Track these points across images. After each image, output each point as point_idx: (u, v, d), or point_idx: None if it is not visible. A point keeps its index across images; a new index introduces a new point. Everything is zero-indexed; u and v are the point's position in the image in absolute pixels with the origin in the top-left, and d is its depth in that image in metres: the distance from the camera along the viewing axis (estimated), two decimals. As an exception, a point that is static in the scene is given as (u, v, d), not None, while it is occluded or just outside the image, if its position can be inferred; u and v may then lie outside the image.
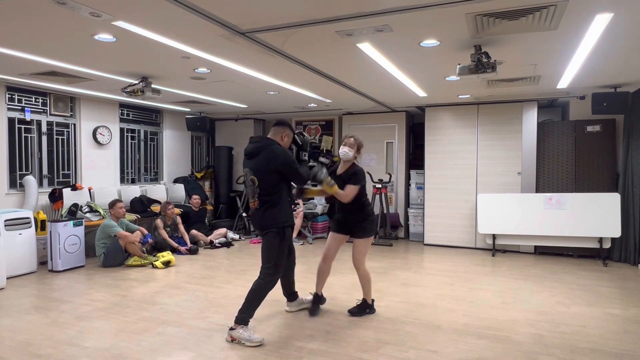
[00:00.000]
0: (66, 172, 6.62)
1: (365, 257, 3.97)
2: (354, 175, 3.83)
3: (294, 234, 7.74)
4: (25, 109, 6.02)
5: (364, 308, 3.99)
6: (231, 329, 3.38)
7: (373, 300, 4.06)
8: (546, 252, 6.68)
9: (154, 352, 3.17)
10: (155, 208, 7.16)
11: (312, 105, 7.37)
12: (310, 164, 3.70)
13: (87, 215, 6.22)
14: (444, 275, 5.44)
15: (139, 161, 7.87)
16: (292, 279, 4.04)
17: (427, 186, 7.46)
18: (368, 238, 3.92)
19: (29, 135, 6.12)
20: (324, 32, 3.49)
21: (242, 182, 8.78)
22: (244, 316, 3.39)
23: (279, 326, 3.68)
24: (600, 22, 3.22)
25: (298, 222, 7.65)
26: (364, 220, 3.90)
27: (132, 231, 5.92)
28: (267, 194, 3.44)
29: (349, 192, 3.74)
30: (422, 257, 6.59)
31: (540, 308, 4.19)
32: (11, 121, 5.88)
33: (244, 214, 8.54)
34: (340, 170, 3.94)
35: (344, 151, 3.84)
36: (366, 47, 3.89)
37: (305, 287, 4.37)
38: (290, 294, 4.06)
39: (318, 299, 4.06)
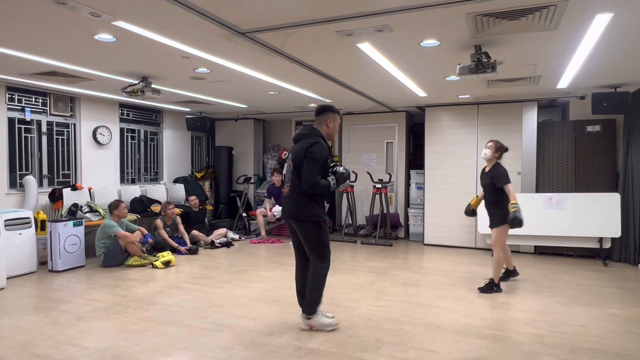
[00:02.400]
0: (66, 172, 6.62)
1: (500, 242, 4.65)
2: (498, 174, 4.57)
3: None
4: (25, 109, 6.02)
5: (491, 287, 4.66)
6: (306, 318, 3.54)
7: (500, 280, 4.75)
8: (546, 252, 6.68)
9: (154, 352, 3.17)
10: (155, 208, 7.16)
11: (312, 105, 7.37)
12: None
13: (87, 215, 6.22)
14: (444, 275, 5.44)
15: (139, 161, 7.87)
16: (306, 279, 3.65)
17: (427, 186, 7.46)
18: (502, 226, 4.58)
19: (29, 135, 6.12)
20: (324, 32, 3.49)
21: (242, 182, 8.79)
22: (312, 304, 3.51)
23: (279, 326, 3.68)
24: (600, 22, 3.22)
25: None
26: (495, 214, 4.66)
27: (132, 231, 5.92)
28: (297, 181, 3.44)
29: (510, 191, 4.51)
30: (422, 257, 6.59)
31: (540, 308, 4.19)
32: (11, 121, 5.88)
33: (244, 214, 8.55)
34: (487, 167, 4.75)
35: (484, 152, 4.70)
36: (366, 47, 3.89)
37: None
38: (302, 295, 3.66)
39: (510, 273, 5.05)
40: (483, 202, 4.84)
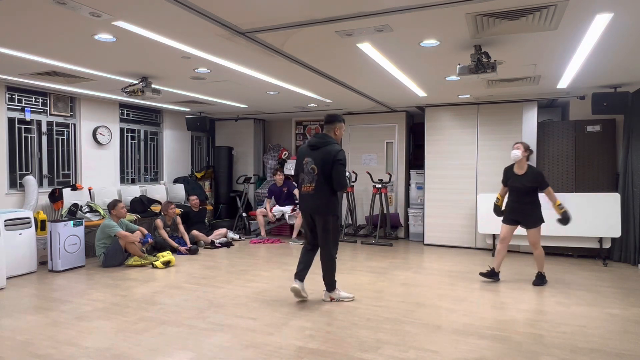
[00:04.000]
0: (66, 172, 6.62)
1: (539, 241, 4.90)
2: (538, 176, 4.79)
3: (294, 234, 7.77)
4: (25, 109, 6.02)
5: (542, 277, 4.96)
6: (328, 292, 4.32)
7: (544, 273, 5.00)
8: (546, 252, 6.61)
9: (154, 352, 3.17)
10: (155, 208, 7.16)
11: (312, 105, 7.37)
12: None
13: (87, 215, 6.22)
14: (444, 275, 5.44)
15: (139, 161, 7.87)
16: (311, 261, 4.39)
17: (427, 186, 7.46)
18: (536, 228, 4.84)
19: (29, 135, 6.12)
20: (324, 32, 3.49)
21: (242, 182, 8.79)
22: (331, 282, 4.30)
23: (279, 326, 3.68)
24: (600, 22, 3.22)
25: (298, 222, 7.65)
26: (532, 214, 4.82)
27: (132, 231, 5.92)
28: (323, 182, 4.10)
29: (551, 193, 4.76)
30: (422, 257, 6.59)
31: (540, 308, 4.19)
32: (11, 121, 5.88)
33: (244, 214, 8.55)
34: (517, 170, 4.84)
35: (513, 152, 4.77)
36: (366, 47, 3.89)
37: (309, 288, 4.37)
38: (301, 273, 4.36)
39: (494, 274, 5.09)
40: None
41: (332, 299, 4.31)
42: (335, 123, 4.27)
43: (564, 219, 4.72)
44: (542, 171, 4.89)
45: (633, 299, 4.49)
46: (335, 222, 4.22)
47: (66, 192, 6.24)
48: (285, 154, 9.17)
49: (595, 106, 5.54)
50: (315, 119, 9.12)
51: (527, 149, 4.79)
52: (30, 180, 5.85)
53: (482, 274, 5.12)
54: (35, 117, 6.16)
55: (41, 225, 5.75)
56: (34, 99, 6.12)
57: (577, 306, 4.24)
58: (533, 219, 4.79)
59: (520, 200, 4.81)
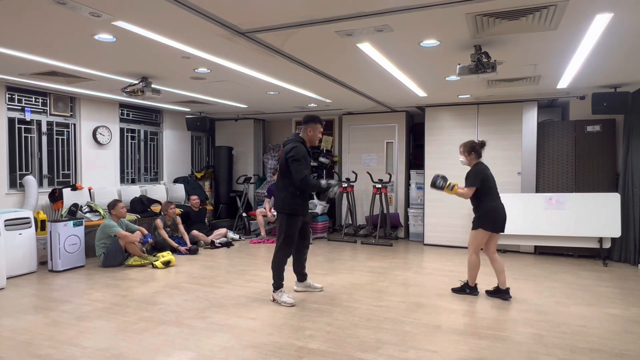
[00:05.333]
0: (66, 172, 6.62)
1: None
2: (467, 176, 4.39)
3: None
4: (25, 109, 6.02)
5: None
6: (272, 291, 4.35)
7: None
8: (546, 252, 6.68)
9: (154, 352, 3.17)
10: (155, 208, 7.16)
11: (312, 105, 7.37)
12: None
13: (87, 215, 6.22)
14: (444, 275, 5.44)
15: (139, 161, 7.87)
16: (300, 259, 4.54)
17: (427, 186, 7.45)
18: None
19: (29, 135, 6.12)
20: (324, 32, 3.49)
21: (242, 182, 8.79)
22: (275, 282, 4.29)
23: (279, 326, 3.68)
24: (600, 22, 3.22)
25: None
26: (475, 215, 4.42)
27: (132, 231, 5.91)
28: (280, 179, 4.22)
29: (465, 194, 4.35)
30: (422, 257, 6.59)
31: (540, 308, 4.18)
32: (11, 121, 5.88)
33: (243, 214, 8.55)
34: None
35: (460, 159, 4.49)
36: (366, 47, 3.89)
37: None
38: (299, 274, 4.62)
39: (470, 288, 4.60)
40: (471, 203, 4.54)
41: (273, 299, 4.28)
42: (308, 124, 4.27)
43: (433, 182, 4.38)
44: (477, 169, 4.33)
45: (633, 299, 4.49)
46: (289, 221, 4.16)
47: (66, 192, 6.24)
48: (285, 154, 9.16)
49: (595, 106, 5.54)
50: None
51: (469, 151, 4.39)
52: (30, 180, 5.85)
53: (457, 289, 4.68)
54: (35, 117, 6.16)
55: (41, 225, 5.75)
56: (34, 99, 6.12)
57: (577, 306, 4.24)
58: (474, 220, 4.40)
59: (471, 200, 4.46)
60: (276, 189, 4.33)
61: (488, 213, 4.32)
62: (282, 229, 4.21)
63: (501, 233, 4.42)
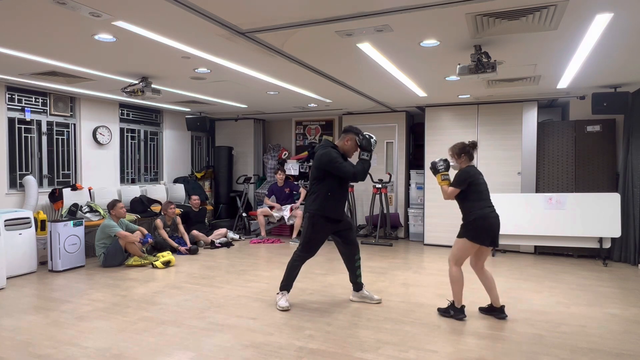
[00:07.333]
0: (66, 172, 6.62)
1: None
2: (454, 178, 3.87)
3: (294, 234, 7.76)
4: (25, 109, 6.02)
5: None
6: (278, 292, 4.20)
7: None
8: (546, 252, 6.68)
9: (154, 352, 3.17)
10: (155, 208, 7.16)
11: (312, 105, 7.37)
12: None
13: (87, 215, 6.22)
14: (444, 275, 5.43)
15: (139, 161, 7.87)
16: (352, 268, 4.33)
17: (427, 186, 7.46)
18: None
19: (29, 135, 6.12)
20: (324, 32, 3.49)
21: (242, 182, 8.79)
22: (283, 283, 4.16)
23: (279, 326, 3.68)
24: (600, 22, 3.22)
25: (298, 222, 7.65)
26: (462, 224, 3.86)
27: (132, 231, 5.91)
28: (313, 184, 4.13)
29: (447, 192, 3.87)
30: (422, 257, 6.59)
31: (540, 308, 4.18)
32: (11, 121, 5.88)
33: (244, 214, 8.54)
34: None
35: (451, 163, 4.02)
36: (366, 47, 3.89)
37: (303, 286, 4.36)
38: (353, 283, 4.40)
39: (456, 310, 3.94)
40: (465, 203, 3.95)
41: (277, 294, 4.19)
42: (347, 134, 4.15)
43: (434, 163, 4.01)
44: (465, 171, 3.83)
45: (633, 299, 4.49)
46: (314, 224, 4.02)
47: (66, 192, 6.24)
48: (285, 154, 9.17)
49: (595, 106, 5.54)
50: (315, 118, 9.11)
51: (458, 153, 3.94)
52: (30, 180, 5.85)
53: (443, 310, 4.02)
54: (35, 117, 6.16)
55: (41, 225, 5.74)
56: (34, 99, 6.12)
57: (577, 306, 4.24)
58: (460, 227, 3.87)
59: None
60: (307, 194, 4.30)
61: (475, 221, 3.73)
62: (306, 233, 4.08)
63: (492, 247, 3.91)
